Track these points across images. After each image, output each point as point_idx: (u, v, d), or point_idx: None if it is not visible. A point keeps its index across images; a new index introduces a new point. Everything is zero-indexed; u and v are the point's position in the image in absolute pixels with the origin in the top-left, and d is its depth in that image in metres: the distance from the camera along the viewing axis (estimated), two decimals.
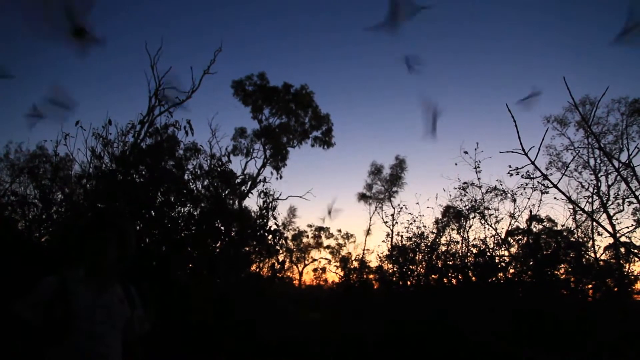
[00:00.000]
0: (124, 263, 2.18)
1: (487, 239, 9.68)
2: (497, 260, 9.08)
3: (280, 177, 23.71)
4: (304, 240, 35.18)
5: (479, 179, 10.10)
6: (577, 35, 49.18)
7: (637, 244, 10.59)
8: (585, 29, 48.91)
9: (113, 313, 2.08)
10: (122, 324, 2.13)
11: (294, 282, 26.68)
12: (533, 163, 6.20)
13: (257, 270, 7.58)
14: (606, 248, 11.31)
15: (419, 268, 9.97)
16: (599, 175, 15.93)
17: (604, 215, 13.25)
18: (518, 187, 9.80)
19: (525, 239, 9.67)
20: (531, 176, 8.50)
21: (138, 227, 5.85)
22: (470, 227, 10.67)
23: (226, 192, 7.41)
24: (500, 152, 6.50)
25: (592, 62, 46.41)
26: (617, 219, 12.50)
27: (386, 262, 11.14)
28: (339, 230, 35.49)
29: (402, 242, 10.61)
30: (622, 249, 10.66)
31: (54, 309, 1.93)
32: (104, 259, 2.09)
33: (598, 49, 48.26)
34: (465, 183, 10.45)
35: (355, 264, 14.06)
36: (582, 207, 8.89)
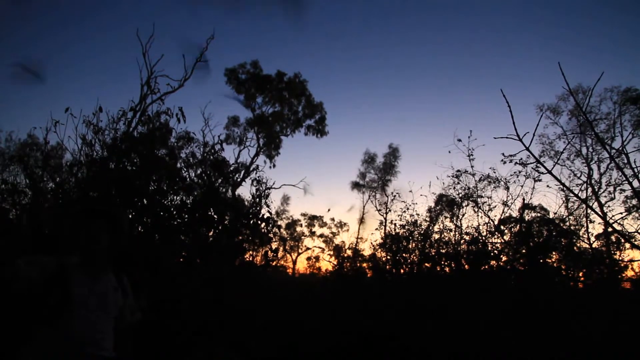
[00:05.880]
0: (116, 251, 2.17)
1: (480, 227, 9.76)
2: (489, 248, 9.15)
3: (274, 166, 23.73)
4: (298, 229, 35.23)
5: (472, 166, 10.14)
6: (568, 25, 49.14)
7: (629, 231, 10.69)
8: (578, 20, 48.91)
9: (107, 300, 2.10)
10: (115, 312, 2.15)
11: (288, 270, 26.79)
12: (527, 149, 6.19)
13: (251, 258, 7.57)
14: (597, 236, 11.44)
15: (412, 256, 10.02)
16: (591, 163, 16.08)
17: (596, 204, 13.40)
18: (511, 175, 9.85)
19: (518, 227, 9.74)
20: (525, 163, 8.51)
21: (130, 216, 5.80)
22: (463, 215, 10.74)
23: (219, 180, 7.37)
24: (495, 138, 6.45)
25: (584, 53, 46.48)
26: (608, 206, 12.65)
27: (379, 250, 11.18)
28: (333, 219, 35.56)
29: (395, 230, 10.65)
30: (614, 237, 10.77)
31: (52, 292, 1.92)
32: (97, 247, 2.08)
33: (589, 39, 48.31)
34: (458, 171, 10.47)
35: (349, 252, 14.12)
36: (575, 194, 8.92)
